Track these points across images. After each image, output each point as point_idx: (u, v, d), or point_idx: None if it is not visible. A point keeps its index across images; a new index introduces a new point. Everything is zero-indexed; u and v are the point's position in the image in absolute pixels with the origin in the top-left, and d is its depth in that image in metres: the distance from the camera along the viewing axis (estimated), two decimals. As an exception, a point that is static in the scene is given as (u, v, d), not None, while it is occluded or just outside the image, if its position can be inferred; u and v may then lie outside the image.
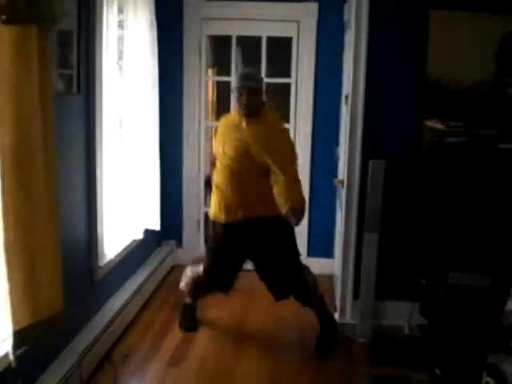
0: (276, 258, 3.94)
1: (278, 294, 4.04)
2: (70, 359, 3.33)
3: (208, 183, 4.42)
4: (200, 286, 4.19)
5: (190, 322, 4.32)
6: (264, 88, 3.85)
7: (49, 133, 2.66)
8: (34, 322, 2.67)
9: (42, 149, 2.61)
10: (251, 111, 3.74)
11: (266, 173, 3.66)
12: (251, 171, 3.74)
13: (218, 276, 4.07)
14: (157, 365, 3.80)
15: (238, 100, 3.74)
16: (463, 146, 4.00)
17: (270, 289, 4.03)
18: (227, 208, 3.88)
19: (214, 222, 4.02)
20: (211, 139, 4.04)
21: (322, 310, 4.18)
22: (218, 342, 4.14)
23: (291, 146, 3.82)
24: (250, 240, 3.92)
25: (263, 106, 3.81)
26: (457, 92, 4.06)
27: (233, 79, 3.84)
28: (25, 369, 2.89)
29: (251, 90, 3.71)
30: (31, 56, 2.48)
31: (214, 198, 3.96)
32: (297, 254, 4.03)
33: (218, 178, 3.92)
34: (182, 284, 4.32)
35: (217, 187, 3.93)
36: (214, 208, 3.97)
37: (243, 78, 3.75)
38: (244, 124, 3.76)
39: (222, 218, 3.92)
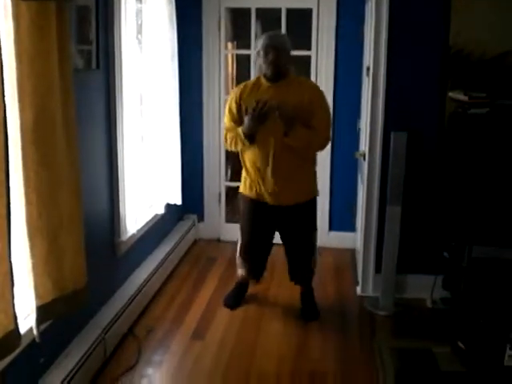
0: (300, 237, 4.02)
1: (294, 274, 4.17)
2: (93, 333, 3.37)
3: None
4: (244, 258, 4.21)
5: (234, 299, 4.32)
6: (290, 51, 3.74)
7: (69, 108, 2.67)
8: (57, 296, 2.71)
9: (63, 124, 2.62)
10: (279, 71, 3.67)
11: None
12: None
13: (253, 256, 4.13)
14: (180, 338, 3.83)
15: (265, 59, 3.65)
16: (486, 117, 3.95)
17: (290, 266, 4.12)
18: (269, 190, 3.84)
19: (244, 196, 4.01)
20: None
21: (309, 285, 4.29)
22: (241, 316, 4.15)
23: (329, 110, 3.87)
24: (281, 220, 3.98)
25: (289, 70, 3.75)
26: (480, 62, 4.00)
27: (258, 42, 3.73)
28: (49, 343, 2.93)
29: (279, 47, 3.63)
30: (50, 32, 2.48)
31: (252, 177, 3.89)
32: (314, 234, 4.10)
33: (256, 155, 3.80)
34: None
35: (255, 164, 3.84)
36: (252, 187, 3.93)
37: (270, 36, 3.68)
38: (273, 89, 3.70)
39: (261, 197, 3.91)
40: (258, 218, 3.99)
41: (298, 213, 3.93)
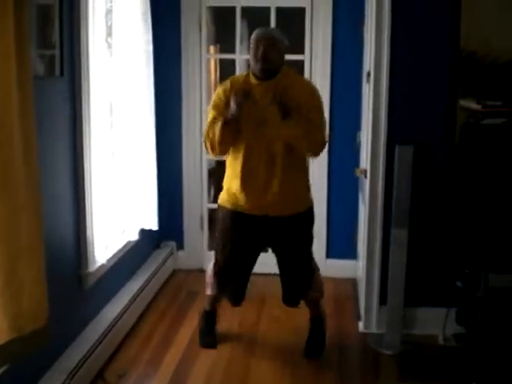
0: (297, 255, 4.02)
1: (290, 297, 4.13)
2: (57, 379, 3.32)
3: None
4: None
5: (209, 336, 4.30)
6: (284, 48, 3.79)
7: (28, 120, 2.66)
8: (15, 337, 2.68)
9: (21, 139, 2.61)
10: (268, 67, 3.71)
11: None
12: (289, 151, 3.76)
13: (235, 277, 4.08)
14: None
15: (254, 54, 3.71)
16: (502, 128, 3.97)
17: (285, 289, 4.09)
18: (256, 198, 3.84)
19: (223, 209, 3.98)
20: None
21: (317, 310, 4.26)
22: (226, 357, 4.13)
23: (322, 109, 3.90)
24: (271, 235, 3.96)
25: (282, 65, 3.80)
26: (494, 67, 4.03)
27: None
28: (6, 390, 2.90)
29: (270, 42, 3.69)
30: (6, 33, 2.48)
31: (236, 183, 3.86)
32: (311, 252, 4.12)
33: (247, 162, 3.82)
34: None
35: (245, 172, 3.83)
36: (236, 195, 3.89)
37: (262, 31, 3.76)
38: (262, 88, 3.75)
39: (243, 208, 3.88)
40: (243, 233, 3.95)
41: (293, 224, 3.93)
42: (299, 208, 3.93)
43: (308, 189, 4.03)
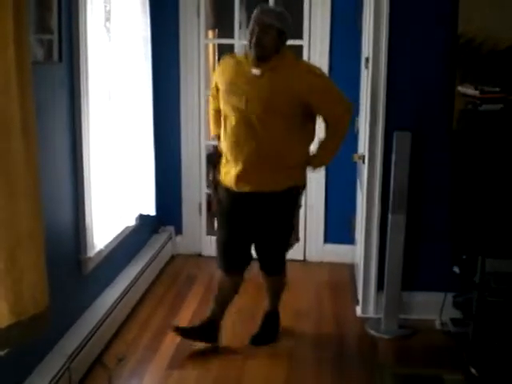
0: (275, 233, 3.92)
1: (269, 269, 4.07)
2: (57, 362, 3.35)
3: (212, 158, 4.32)
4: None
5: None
6: (286, 30, 3.65)
7: (27, 106, 2.65)
8: (15, 321, 2.68)
9: (20, 125, 2.60)
10: (263, 54, 3.61)
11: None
12: (281, 129, 3.69)
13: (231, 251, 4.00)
14: (155, 368, 3.82)
15: (249, 37, 3.61)
16: (500, 114, 3.97)
17: (262, 262, 4.03)
18: (243, 175, 3.74)
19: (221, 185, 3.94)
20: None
21: (276, 304, 4.22)
22: (225, 341, 4.14)
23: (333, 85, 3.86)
24: (256, 212, 3.85)
25: (280, 49, 3.67)
26: (493, 53, 4.03)
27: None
28: (6, 374, 2.91)
29: (265, 25, 3.56)
30: (5, 20, 2.47)
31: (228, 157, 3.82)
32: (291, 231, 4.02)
33: (233, 138, 3.76)
34: None
35: (232, 149, 3.77)
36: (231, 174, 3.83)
37: (262, 11, 3.63)
38: (257, 72, 3.65)
39: (232, 185, 3.80)
40: (234, 210, 3.89)
41: (261, 204, 3.80)
42: (274, 187, 3.75)
43: (296, 166, 3.83)
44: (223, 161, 3.87)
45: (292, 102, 3.65)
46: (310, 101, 3.68)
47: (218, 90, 3.89)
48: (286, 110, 3.66)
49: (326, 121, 3.82)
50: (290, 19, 3.73)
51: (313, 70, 3.83)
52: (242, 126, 3.69)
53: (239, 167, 3.72)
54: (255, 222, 3.86)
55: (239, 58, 3.88)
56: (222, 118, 3.86)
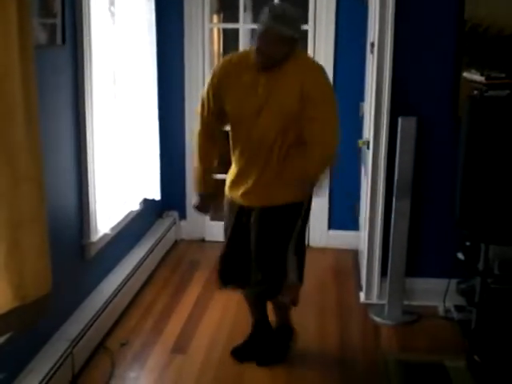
0: (263, 251, 3.59)
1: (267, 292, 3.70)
2: (60, 347, 3.36)
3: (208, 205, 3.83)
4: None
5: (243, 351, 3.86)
6: (297, 35, 3.27)
7: (30, 91, 2.65)
8: (18, 305, 2.69)
9: (23, 109, 2.60)
10: (266, 61, 3.29)
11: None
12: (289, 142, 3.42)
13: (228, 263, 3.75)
14: (158, 352, 3.83)
15: (255, 42, 3.27)
16: (507, 101, 3.95)
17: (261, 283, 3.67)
18: (252, 190, 3.50)
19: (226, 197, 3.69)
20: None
21: (284, 318, 3.88)
22: (228, 327, 4.16)
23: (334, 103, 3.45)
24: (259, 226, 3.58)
25: (290, 54, 3.30)
26: (499, 38, 4.01)
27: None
28: (9, 358, 2.92)
29: (277, 36, 3.18)
30: (8, 3, 2.46)
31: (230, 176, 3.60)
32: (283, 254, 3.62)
33: (242, 150, 3.50)
34: None
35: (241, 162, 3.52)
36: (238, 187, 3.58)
37: (273, 18, 3.19)
38: (262, 81, 3.34)
39: (238, 199, 3.56)
40: (234, 220, 3.64)
41: (260, 218, 3.53)
42: (273, 201, 3.48)
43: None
44: (229, 177, 3.61)
45: (299, 107, 3.34)
46: (306, 104, 3.34)
47: (214, 102, 3.49)
48: (294, 121, 3.38)
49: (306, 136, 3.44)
50: (300, 12, 3.45)
51: (318, 74, 3.46)
52: (256, 141, 3.41)
53: (251, 182, 3.48)
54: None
55: (240, 60, 3.50)
56: (230, 134, 3.55)
